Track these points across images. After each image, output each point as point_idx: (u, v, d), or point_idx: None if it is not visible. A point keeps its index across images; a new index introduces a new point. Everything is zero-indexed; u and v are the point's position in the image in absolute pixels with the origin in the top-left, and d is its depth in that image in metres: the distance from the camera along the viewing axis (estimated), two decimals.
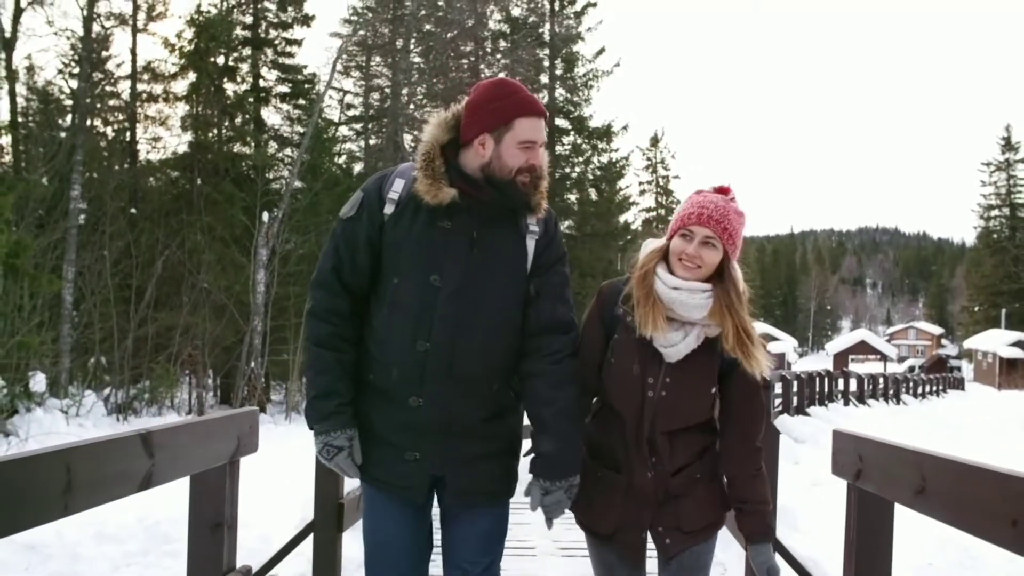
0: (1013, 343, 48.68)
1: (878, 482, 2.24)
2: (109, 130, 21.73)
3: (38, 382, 11.48)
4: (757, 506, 2.10)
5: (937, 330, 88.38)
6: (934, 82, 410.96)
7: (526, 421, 2.25)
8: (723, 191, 2.15)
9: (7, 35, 17.30)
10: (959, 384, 38.03)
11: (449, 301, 2.04)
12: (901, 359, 72.82)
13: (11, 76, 17.30)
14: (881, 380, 22.84)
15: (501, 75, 28.10)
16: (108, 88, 21.49)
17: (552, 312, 2.13)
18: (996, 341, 49.81)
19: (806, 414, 14.53)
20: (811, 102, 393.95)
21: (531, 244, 2.14)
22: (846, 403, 18.16)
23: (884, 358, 63.27)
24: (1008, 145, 58.97)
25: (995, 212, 58.86)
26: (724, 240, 2.06)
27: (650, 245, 2.23)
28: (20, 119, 19.03)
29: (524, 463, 2.22)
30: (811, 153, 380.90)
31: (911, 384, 26.24)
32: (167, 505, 5.16)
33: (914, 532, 5.20)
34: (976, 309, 59.08)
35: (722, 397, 2.14)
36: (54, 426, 11.15)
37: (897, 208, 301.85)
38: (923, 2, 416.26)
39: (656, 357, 2.09)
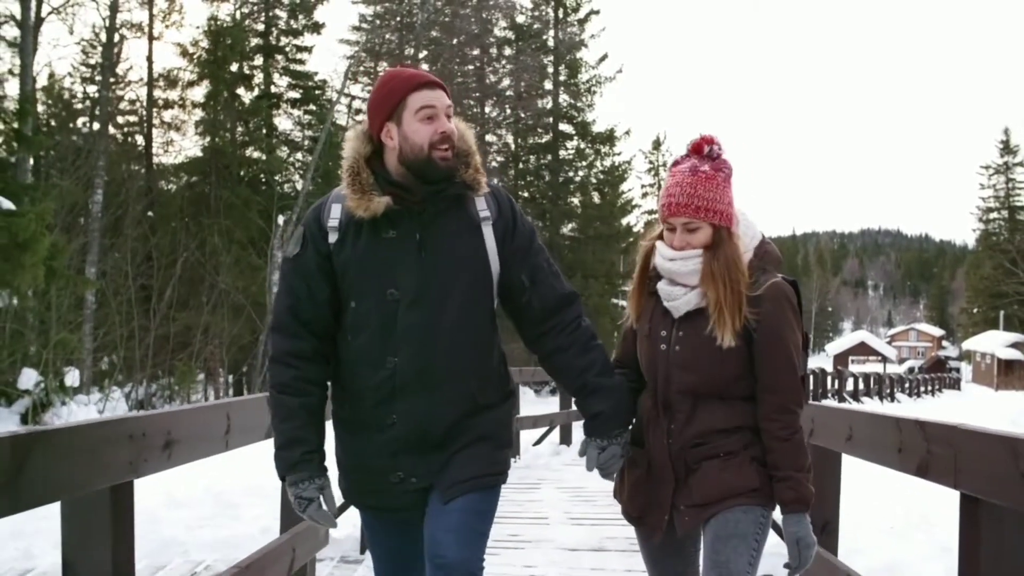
0: (1011, 344, 49.26)
1: (824, 436, 2.90)
2: (119, 134, 22.41)
3: (73, 378, 12.16)
4: (786, 472, 1.99)
5: (938, 332, 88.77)
6: (937, 83, 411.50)
7: (527, 411, 2.41)
8: (698, 150, 2.10)
9: (31, 43, 17.95)
10: (955, 384, 38.65)
11: (409, 311, 1.97)
12: (901, 360, 73.34)
13: (33, 87, 17.97)
14: (874, 379, 23.49)
15: (506, 82, 28.72)
16: (121, 93, 22.19)
17: (553, 292, 2.10)
18: (994, 342, 50.36)
19: None
20: (813, 103, 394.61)
21: (488, 231, 2.06)
22: (840, 400, 18.80)
23: (884, 359, 63.83)
24: (1007, 148, 59.37)
25: (994, 215, 59.36)
26: (703, 217, 2.04)
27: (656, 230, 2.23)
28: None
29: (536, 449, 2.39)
30: (813, 155, 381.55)
31: (906, 383, 26.86)
32: (230, 477, 5.85)
33: (882, 503, 5.89)
34: (975, 311, 59.59)
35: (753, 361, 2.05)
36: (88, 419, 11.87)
37: (899, 210, 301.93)
38: (926, 4, 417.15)
39: (667, 315, 2.10)
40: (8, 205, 11.15)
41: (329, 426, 2.11)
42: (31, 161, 18.75)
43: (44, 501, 1.63)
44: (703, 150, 2.08)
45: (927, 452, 2.02)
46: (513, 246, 2.06)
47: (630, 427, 2.15)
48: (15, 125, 13.23)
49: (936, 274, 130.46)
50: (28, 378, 11.65)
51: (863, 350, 68.08)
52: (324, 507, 2.00)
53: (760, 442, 2.04)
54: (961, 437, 1.86)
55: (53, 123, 20.85)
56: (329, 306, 2.03)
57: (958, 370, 55.82)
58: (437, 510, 2.03)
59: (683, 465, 2.05)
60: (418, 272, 1.97)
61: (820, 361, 66.88)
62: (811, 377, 17.34)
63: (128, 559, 1.92)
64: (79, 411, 12.05)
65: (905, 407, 21.65)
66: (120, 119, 22.60)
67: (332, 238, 2.01)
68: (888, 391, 23.53)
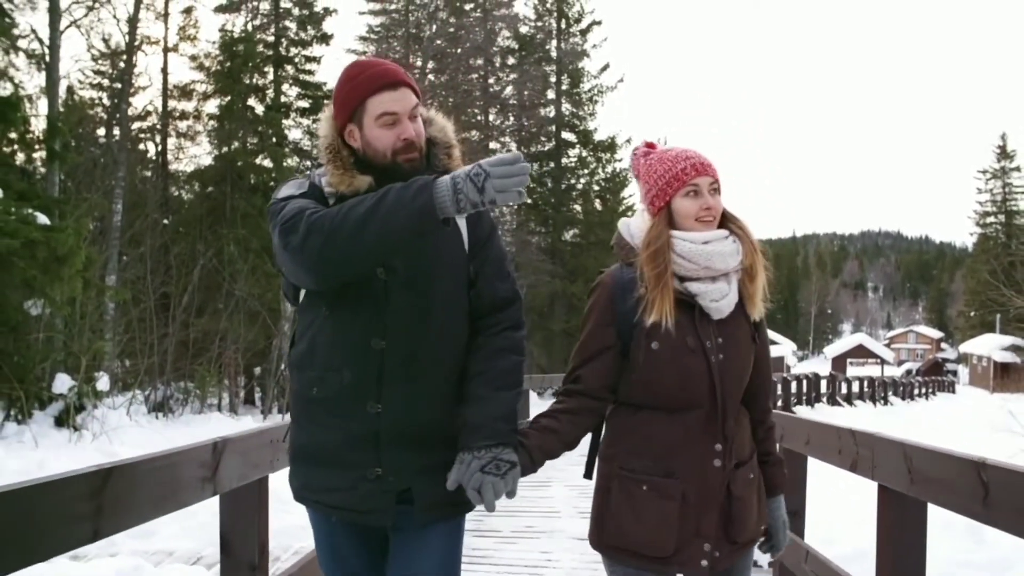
0: (1007, 347, 49.85)
1: (791, 441, 3.59)
2: (129, 143, 23.08)
3: (104, 383, 12.81)
4: (777, 456, 2.05)
5: (936, 334, 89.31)
6: (938, 85, 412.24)
7: (535, 411, 2.16)
8: (652, 147, 2.07)
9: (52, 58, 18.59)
10: (950, 387, 39.27)
11: (400, 293, 1.88)
12: (900, 363, 73.97)
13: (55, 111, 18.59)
14: (867, 382, 24.17)
15: (509, 91, 29.31)
16: (136, 103, 22.90)
17: (492, 291, 1.99)
18: (990, 345, 50.95)
19: (792, 413, 15.89)
20: (813, 105, 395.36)
21: (461, 222, 1.97)
22: (832, 404, 19.49)
23: (882, 362, 64.46)
24: (1004, 153, 60.07)
25: (991, 219, 60.05)
26: (719, 182, 1.96)
27: (632, 225, 2.05)
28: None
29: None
30: (814, 156, 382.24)
31: (900, 386, 27.50)
32: (278, 480, 6.53)
33: (857, 500, 6.58)
34: (972, 314, 60.24)
35: None
36: (119, 422, 12.57)
37: (900, 212, 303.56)
38: (927, 7, 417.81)
39: (703, 318, 1.92)
40: (43, 220, 11.83)
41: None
42: (57, 175, 19.49)
43: (226, 488, 2.31)
44: (656, 147, 2.07)
45: (856, 453, 2.71)
46: (474, 237, 2.00)
47: (505, 448, 1.85)
48: (44, 140, 13.87)
49: (935, 276, 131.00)
50: (62, 383, 12.29)
51: (861, 352, 68.72)
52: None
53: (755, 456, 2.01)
54: (876, 441, 2.54)
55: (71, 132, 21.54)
56: None
57: (955, 373, 56.44)
58: (412, 542, 1.94)
59: (727, 491, 1.91)
60: (407, 254, 1.87)
61: (818, 363, 67.54)
62: (805, 382, 17.99)
63: (265, 533, 2.61)
64: (110, 414, 12.71)
65: (897, 410, 22.30)
66: (133, 125, 23.27)
67: (331, 202, 1.90)
68: (881, 394, 24.21)
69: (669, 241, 1.91)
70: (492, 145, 29.54)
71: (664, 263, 1.90)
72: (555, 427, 1.95)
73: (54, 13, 15.75)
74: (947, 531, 5.81)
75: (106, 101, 23.02)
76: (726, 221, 1.96)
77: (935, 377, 41.18)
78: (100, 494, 1.63)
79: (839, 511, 6.03)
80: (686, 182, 1.91)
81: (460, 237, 1.97)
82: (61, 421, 12.19)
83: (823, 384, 20.47)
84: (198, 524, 5.54)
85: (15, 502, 1.45)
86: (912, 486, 2.25)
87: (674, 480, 1.89)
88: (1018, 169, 59.80)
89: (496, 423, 1.86)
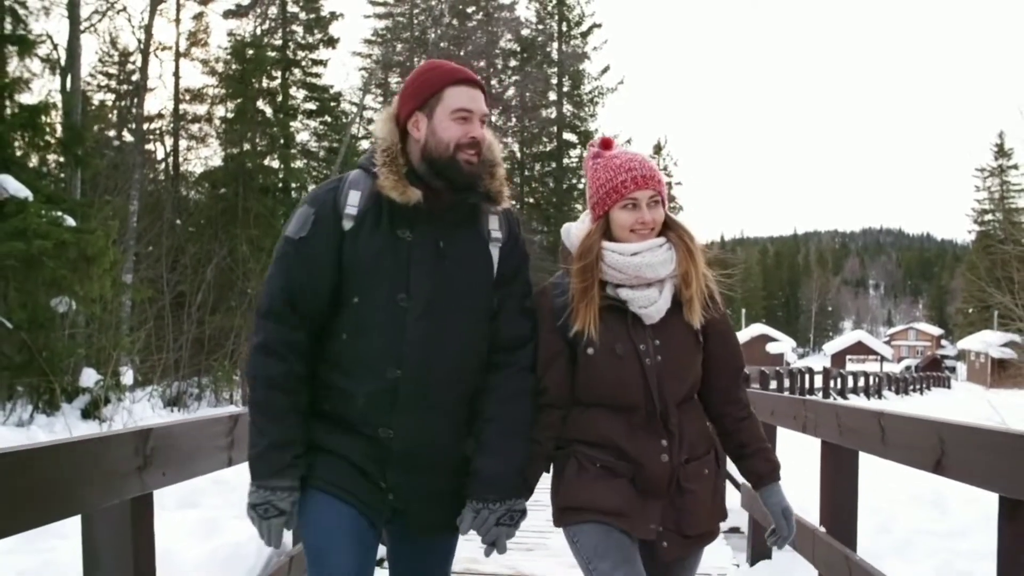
0: (1004, 344, 50.32)
1: (761, 414, 4.19)
2: (148, 147, 23.69)
3: (128, 377, 13.43)
4: (760, 444, 2.04)
5: (936, 331, 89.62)
6: (940, 82, 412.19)
7: None
8: (608, 144, 2.07)
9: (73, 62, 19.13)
10: (945, 382, 39.85)
11: (420, 322, 1.86)
12: (900, 359, 74.43)
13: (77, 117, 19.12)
14: (862, 377, 24.77)
15: (511, 92, 29.88)
16: (147, 106, 23.46)
17: (514, 327, 1.98)
18: (988, 342, 51.39)
19: None
20: (815, 102, 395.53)
21: (495, 252, 1.96)
22: (825, 396, 20.09)
23: (881, 358, 64.95)
24: (1001, 151, 60.54)
25: (989, 217, 60.51)
26: (662, 192, 1.97)
27: (573, 231, 2.08)
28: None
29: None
30: (815, 154, 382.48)
31: (895, 382, 28.07)
32: None
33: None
34: (970, 311, 60.70)
35: (704, 352, 2.02)
36: (143, 414, 13.20)
37: (901, 209, 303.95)
38: (928, 4, 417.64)
39: (636, 324, 1.96)
40: (70, 222, 12.44)
41: None
42: (79, 179, 20.03)
43: None
44: (613, 145, 2.09)
45: (805, 417, 3.33)
46: (504, 268, 1.98)
47: (518, 499, 1.92)
48: (66, 145, 14.43)
49: (935, 273, 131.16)
50: (89, 377, 12.89)
51: (860, 349, 69.18)
52: (286, 526, 1.86)
53: (718, 452, 2.05)
54: (818, 406, 3.17)
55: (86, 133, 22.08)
56: (329, 298, 1.88)
57: (954, 369, 56.97)
58: (413, 547, 2.04)
59: (676, 484, 1.96)
60: (433, 281, 1.87)
61: (818, 360, 68.00)
62: (799, 376, 18.59)
63: None
64: (135, 407, 13.33)
65: (890, 403, 22.87)
66: (144, 126, 23.84)
67: (347, 225, 1.88)
68: (875, 389, 24.80)
69: (600, 254, 1.96)
70: None
71: (591, 278, 1.96)
72: (542, 452, 2.01)
73: (74, 22, 16.28)
74: (912, 503, 6.40)
75: (109, 100, 23.62)
76: (667, 228, 2.01)
77: (932, 373, 41.73)
78: (232, 432, 2.25)
79: (814, 485, 6.65)
80: (624, 195, 1.95)
81: (491, 266, 1.96)
82: (87, 413, 12.78)
83: (818, 379, 21.11)
84: (239, 498, 6.16)
85: (181, 434, 2.07)
86: (841, 437, 2.87)
87: (625, 463, 1.95)
88: (1016, 167, 60.24)
89: (512, 478, 1.91)
